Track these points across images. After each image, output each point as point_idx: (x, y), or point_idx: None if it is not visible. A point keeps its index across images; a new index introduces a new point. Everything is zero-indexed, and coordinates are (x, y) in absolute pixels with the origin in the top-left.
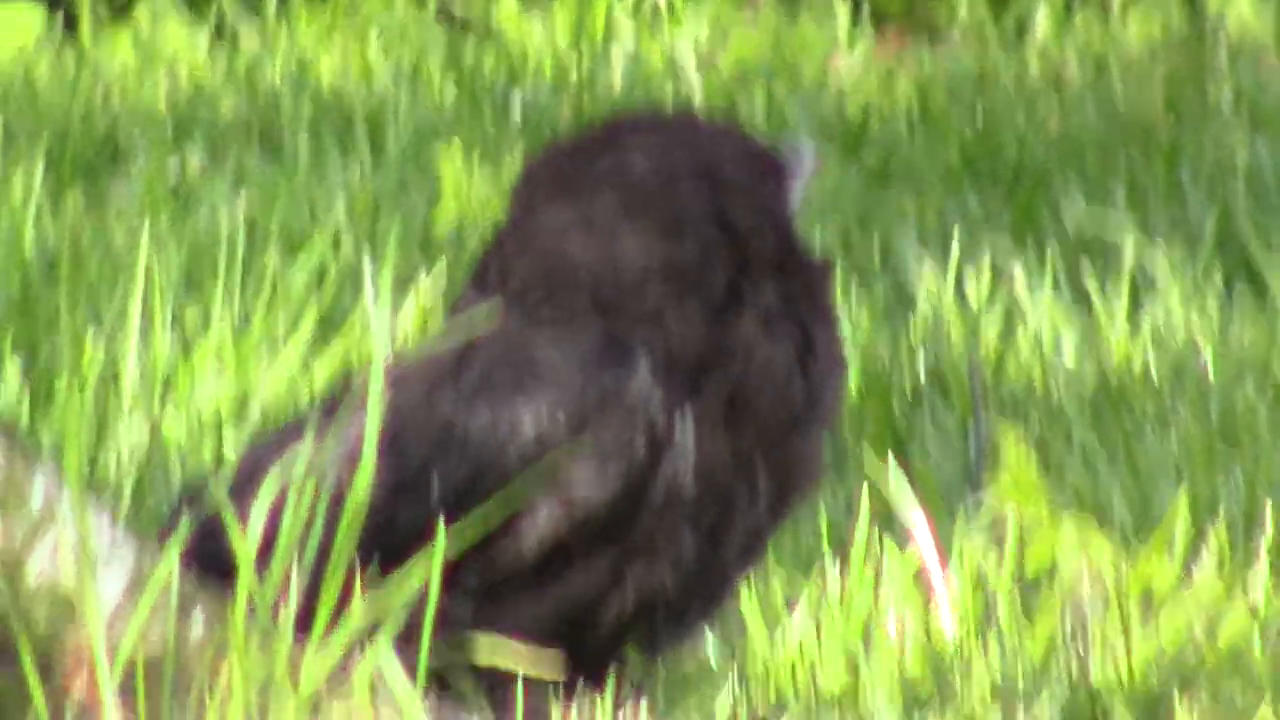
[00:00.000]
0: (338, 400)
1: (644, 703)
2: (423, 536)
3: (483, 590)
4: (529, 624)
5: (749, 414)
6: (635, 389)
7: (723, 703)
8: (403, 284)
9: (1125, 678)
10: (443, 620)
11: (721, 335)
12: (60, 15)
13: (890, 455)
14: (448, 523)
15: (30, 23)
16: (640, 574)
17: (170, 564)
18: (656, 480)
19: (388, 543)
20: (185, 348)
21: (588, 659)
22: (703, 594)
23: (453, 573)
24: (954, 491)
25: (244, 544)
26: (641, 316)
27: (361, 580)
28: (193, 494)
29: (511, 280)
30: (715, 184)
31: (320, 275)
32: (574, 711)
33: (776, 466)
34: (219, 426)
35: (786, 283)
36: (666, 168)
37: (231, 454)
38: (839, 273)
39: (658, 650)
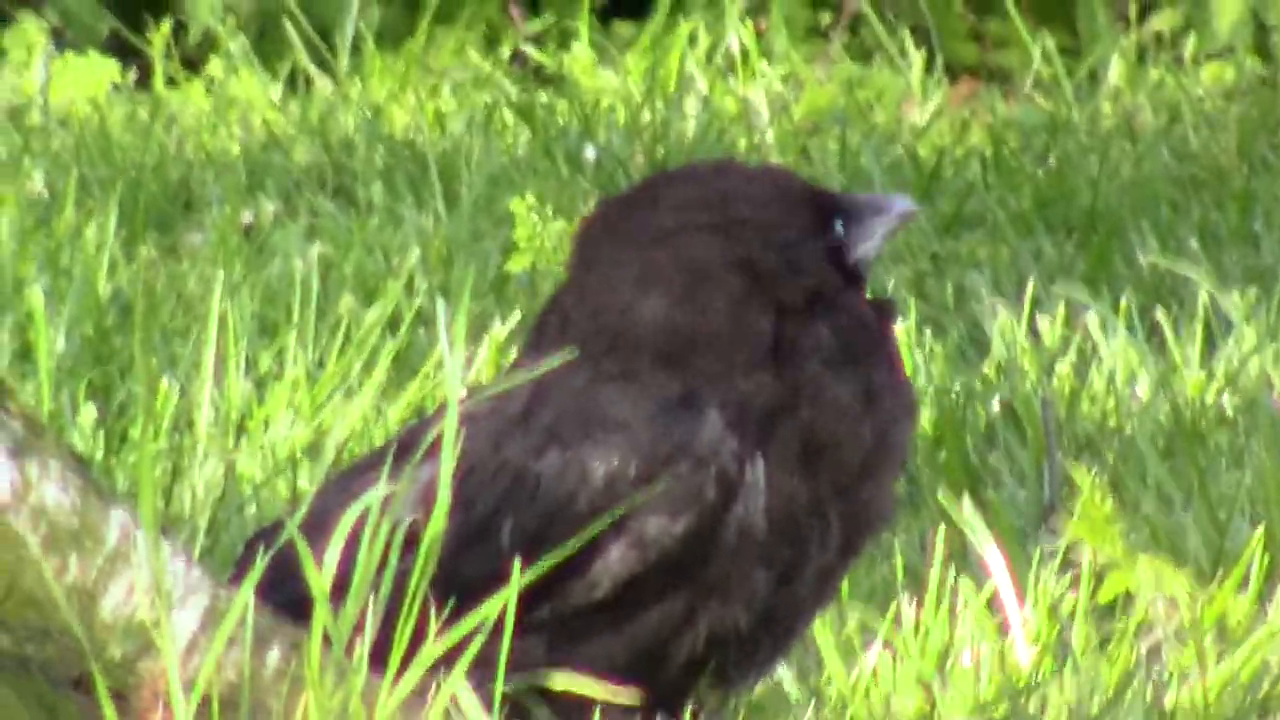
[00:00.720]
0: (411, 439)
1: None
2: (495, 582)
3: (556, 628)
4: (602, 661)
5: (819, 457)
6: (706, 438)
7: None
8: (476, 330)
9: (1200, 707)
10: (517, 658)
11: (786, 381)
12: (134, 65)
13: (965, 493)
14: (521, 564)
15: (104, 72)
16: (713, 613)
17: (245, 598)
18: (728, 522)
19: (461, 584)
20: (260, 390)
21: (661, 693)
22: (775, 632)
23: (526, 611)
24: (1028, 529)
25: (319, 579)
26: (705, 369)
27: (436, 616)
28: (268, 530)
29: (570, 334)
30: (755, 229)
31: (394, 321)
32: None
33: (847, 508)
34: (294, 465)
35: (847, 325)
36: (708, 218)
37: (305, 494)
38: (913, 316)
39: (731, 685)
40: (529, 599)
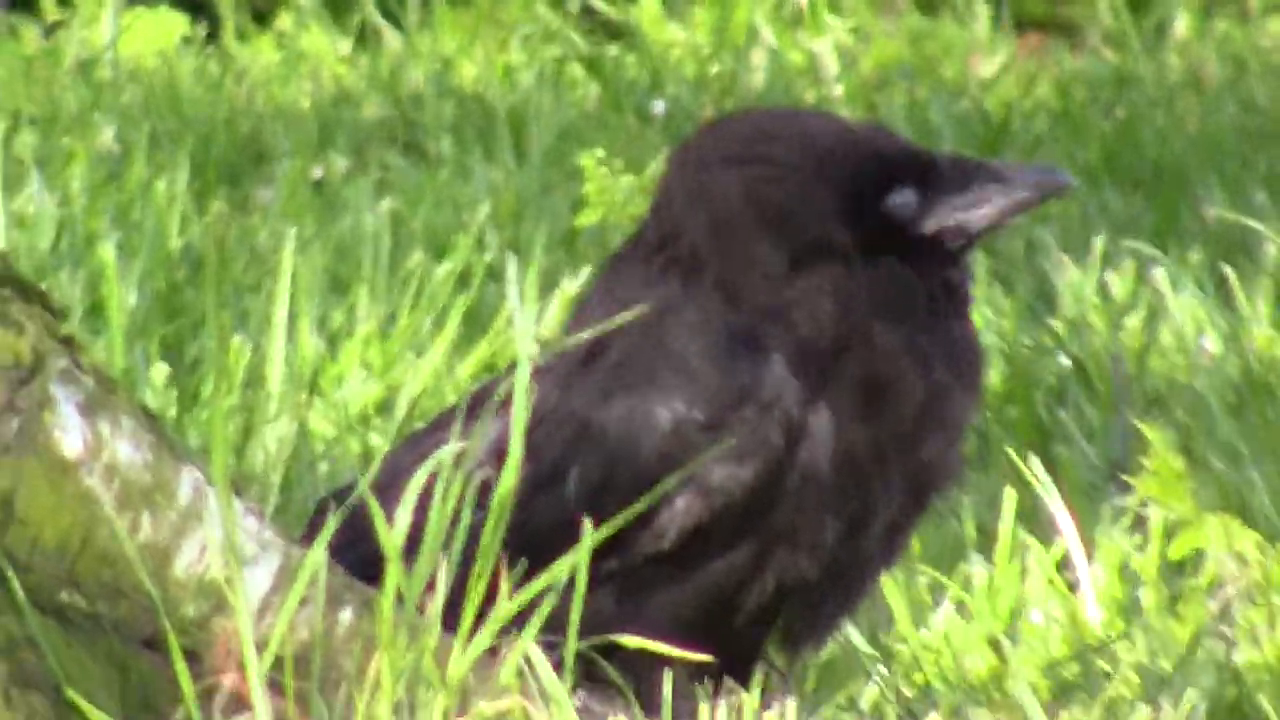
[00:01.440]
0: (483, 396)
1: (791, 696)
2: (563, 531)
3: (624, 580)
4: (670, 613)
5: (879, 404)
6: (770, 382)
7: (869, 691)
8: (547, 285)
9: (1271, 665)
10: (585, 612)
11: (846, 327)
12: (203, 19)
13: (1034, 450)
14: (591, 518)
15: (173, 26)
16: (781, 561)
17: (318, 557)
18: (793, 470)
19: (529, 538)
20: (331, 347)
21: (731, 651)
22: (843, 587)
23: (593, 563)
24: (1098, 486)
25: (391, 538)
26: (766, 307)
27: (507, 574)
28: (340, 491)
29: (637, 257)
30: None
31: (464, 276)
32: (722, 704)
33: (910, 464)
34: (365, 423)
35: (886, 284)
36: (740, 153)
37: (378, 450)
38: (982, 271)
39: (800, 645)
40: (596, 552)
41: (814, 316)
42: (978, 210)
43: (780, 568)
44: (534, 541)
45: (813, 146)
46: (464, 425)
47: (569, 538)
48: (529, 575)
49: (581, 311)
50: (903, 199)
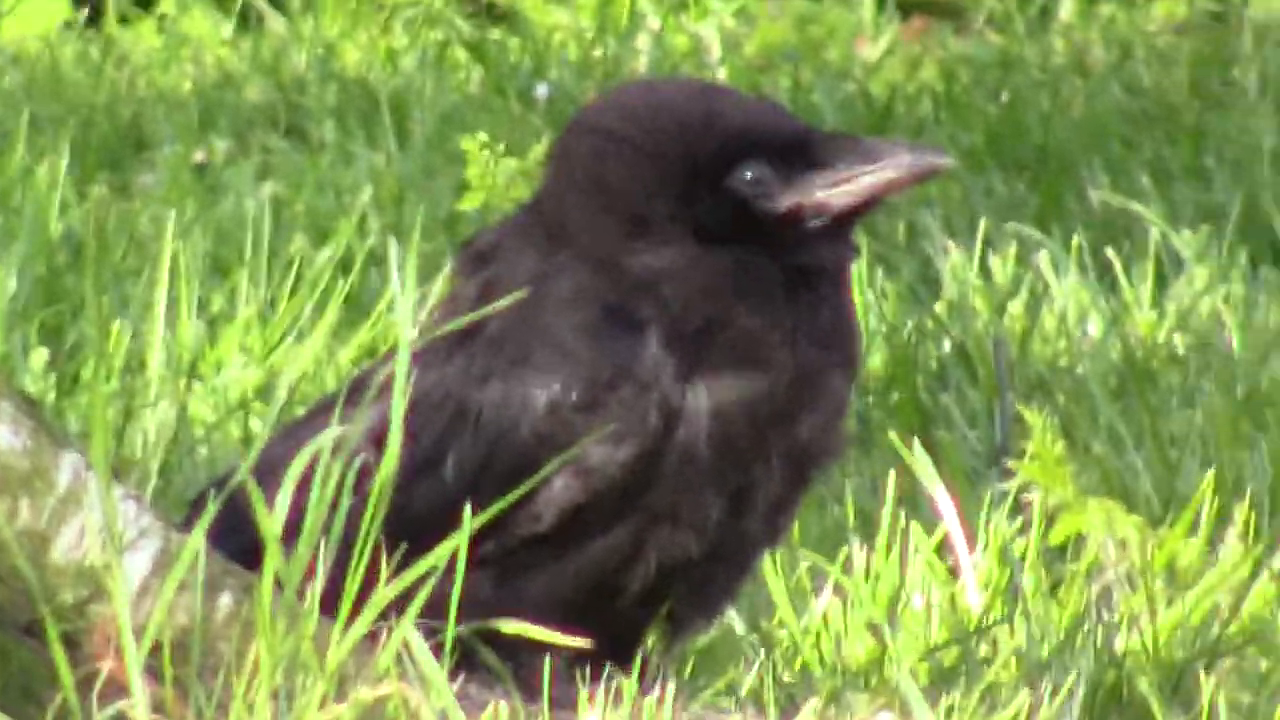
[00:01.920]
0: (363, 382)
1: (671, 680)
2: (442, 515)
3: (502, 562)
4: (551, 596)
5: (751, 383)
6: (647, 362)
7: (749, 677)
8: (428, 270)
9: (1150, 649)
10: (464, 596)
11: (713, 307)
12: (86, 3)
13: (916, 434)
14: (467, 498)
15: (55, 10)
16: (663, 540)
17: (197, 543)
18: (672, 449)
19: (409, 522)
20: (212, 332)
21: (614, 634)
22: (727, 566)
23: (472, 547)
24: (980, 471)
25: (270, 523)
26: (637, 280)
27: (386, 559)
28: (220, 479)
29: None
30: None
31: (346, 260)
32: (600, 688)
33: (788, 442)
34: (246, 408)
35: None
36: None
37: (258, 435)
38: (865, 255)
39: (683, 627)
40: (474, 535)
41: (683, 294)
42: (843, 188)
43: (662, 547)
44: (414, 526)
45: (654, 120)
46: (344, 411)
47: (449, 521)
48: (409, 560)
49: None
50: (751, 175)
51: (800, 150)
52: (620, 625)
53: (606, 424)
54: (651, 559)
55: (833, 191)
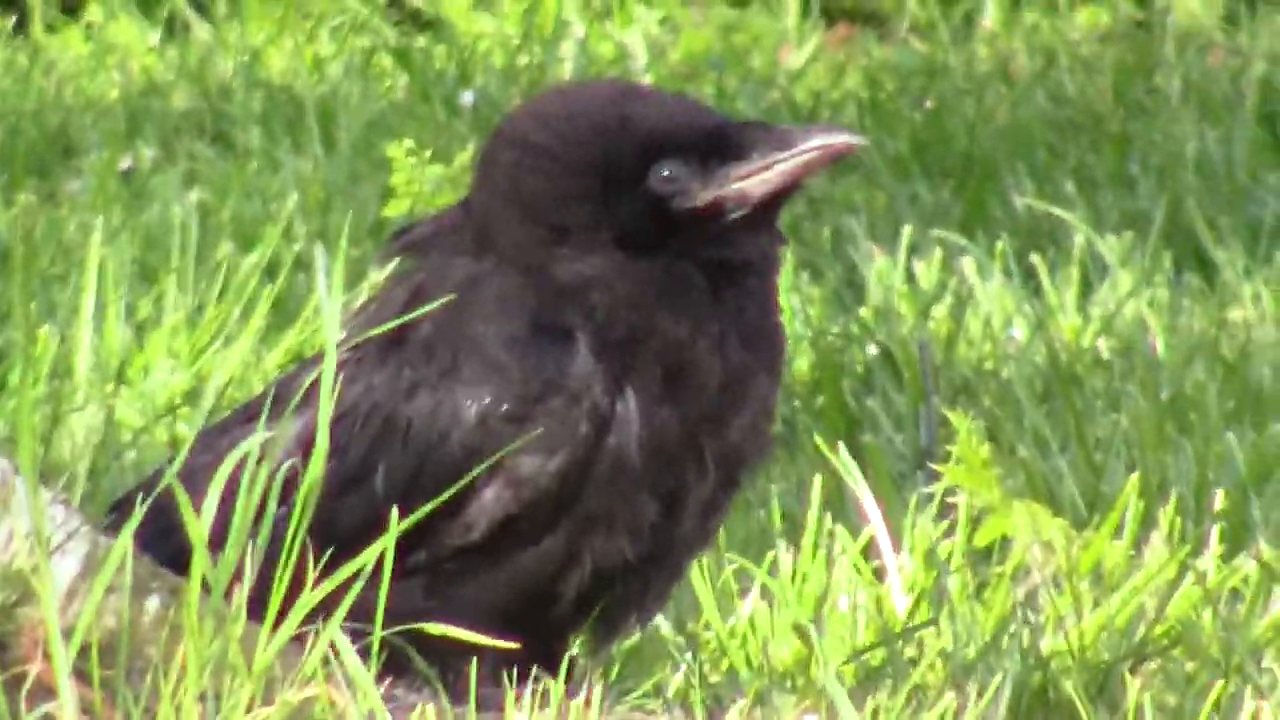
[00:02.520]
0: (288, 384)
1: (598, 682)
2: (372, 525)
3: (435, 571)
4: (485, 604)
5: (680, 389)
6: (577, 371)
7: (676, 679)
8: (354, 276)
9: (1076, 651)
10: (397, 603)
11: (638, 315)
12: (12, 11)
13: (842, 438)
14: (397, 508)
15: None
16: (598, 547)
17: (124, 546)
18: (604, 457)
19: (338, 532)
20: (139, 337)
21: (544, 638)
22: (662, 568)
23: (404, 555)
24: (906, 474)
25: (197, 527)
26: (564, 288)
27: (314, 564)
28: (147, 482)
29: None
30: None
31: (272, 266)
32: (527, 691)
33: (718, 443)
34: (173, 412)
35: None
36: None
37: (185, 439)
38: (790, 260)
39: (614, 630)
40: (406, 543)
41: (609, 301)
42: (760, 176)
43: (598, 554)
44: (343, 533)
45: (570, 128)
46: (270, 414)
47: (377, 530)
48: (337, 565)
49: (392, 285)
50: (667, 174)
51: (716, 143)
52: (552, 629)
53: (536, 434)
54: (587, 564)
55: (750, 181)
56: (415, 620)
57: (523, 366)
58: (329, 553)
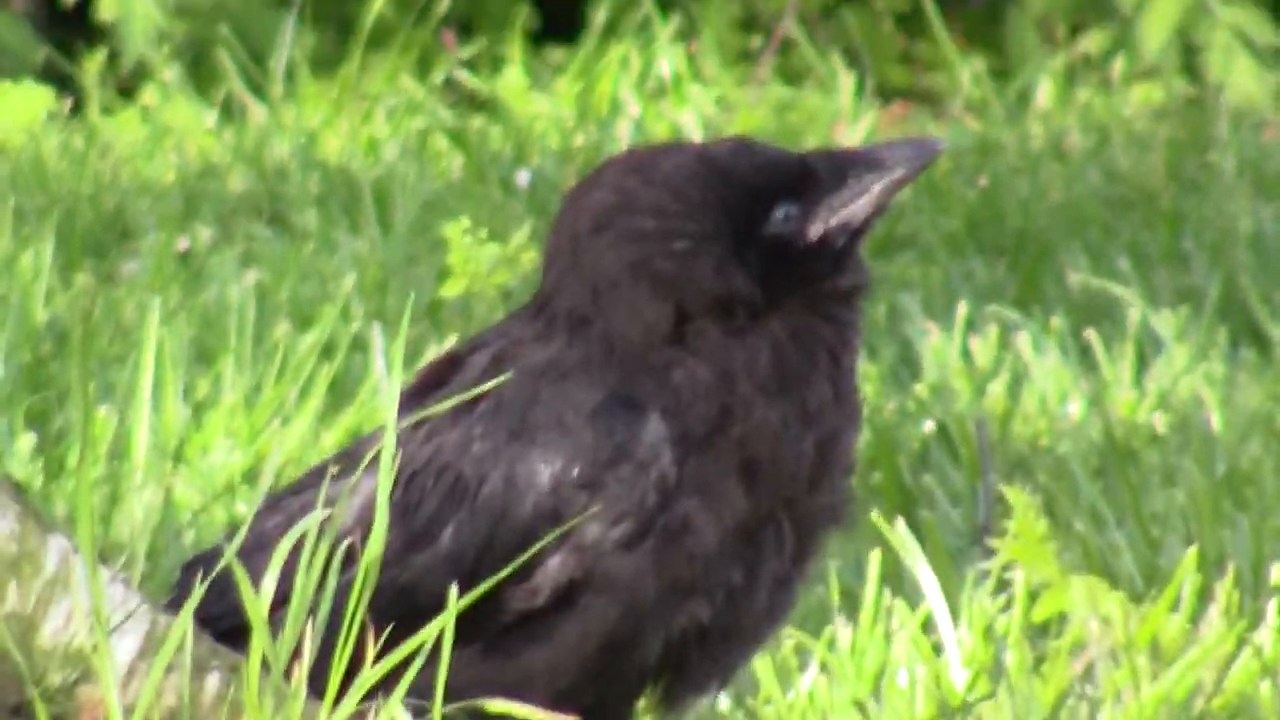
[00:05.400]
0: (347, 459)
1: None
2: (435, 588)
3: (498, 639)
4: (548, 672)
5: (758, 472)
6: (647, 440)
7: None
8: (412, 355)
9: None
10: (458, 671)
11: (725, 398)
12: (68, 94)
13: (899, 514)
14: (464, 574)
15: (39, 101)
16: (664, 617)
17: (184, 624)
18: (675, 528)
19: (400, 595)
20: (197, 417)
21: (609, 711)
22: (734, 642)
23: (469, 623)
24: (963, 549)
25: (256, 604)
26: (648, 365)
27: (375, 638)
28: (205, 556)
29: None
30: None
31: (329, 346)
32: None
33: (799, 516)
34: (231, 492)
35: (781, 340)
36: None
37: (244, 520)
38: None
39: (683, 701)
40: (470, 610)
41: (693, 383)
42: (857, 203)
43: (663, 624)
44: (406, 599)
45: (682, 201)
46: (329, 488)
47: (442, 595)
48: (400, 638)
49: (464, 357)
50: (784, 214)
51: (809, 178)
52: (616, 699)
53: (603, 502)
54: (653, 635)
55: (852, 208)
56: (476, 688)
57: (593, 432)
58: (395, 621)
